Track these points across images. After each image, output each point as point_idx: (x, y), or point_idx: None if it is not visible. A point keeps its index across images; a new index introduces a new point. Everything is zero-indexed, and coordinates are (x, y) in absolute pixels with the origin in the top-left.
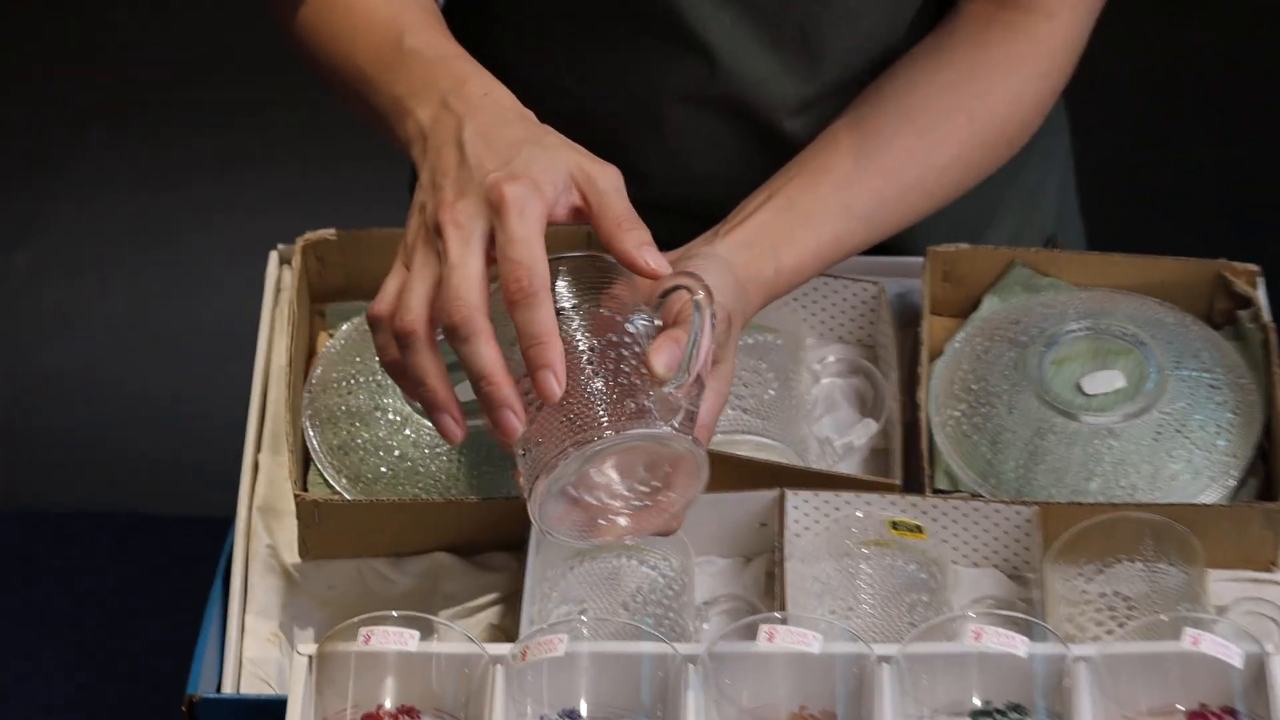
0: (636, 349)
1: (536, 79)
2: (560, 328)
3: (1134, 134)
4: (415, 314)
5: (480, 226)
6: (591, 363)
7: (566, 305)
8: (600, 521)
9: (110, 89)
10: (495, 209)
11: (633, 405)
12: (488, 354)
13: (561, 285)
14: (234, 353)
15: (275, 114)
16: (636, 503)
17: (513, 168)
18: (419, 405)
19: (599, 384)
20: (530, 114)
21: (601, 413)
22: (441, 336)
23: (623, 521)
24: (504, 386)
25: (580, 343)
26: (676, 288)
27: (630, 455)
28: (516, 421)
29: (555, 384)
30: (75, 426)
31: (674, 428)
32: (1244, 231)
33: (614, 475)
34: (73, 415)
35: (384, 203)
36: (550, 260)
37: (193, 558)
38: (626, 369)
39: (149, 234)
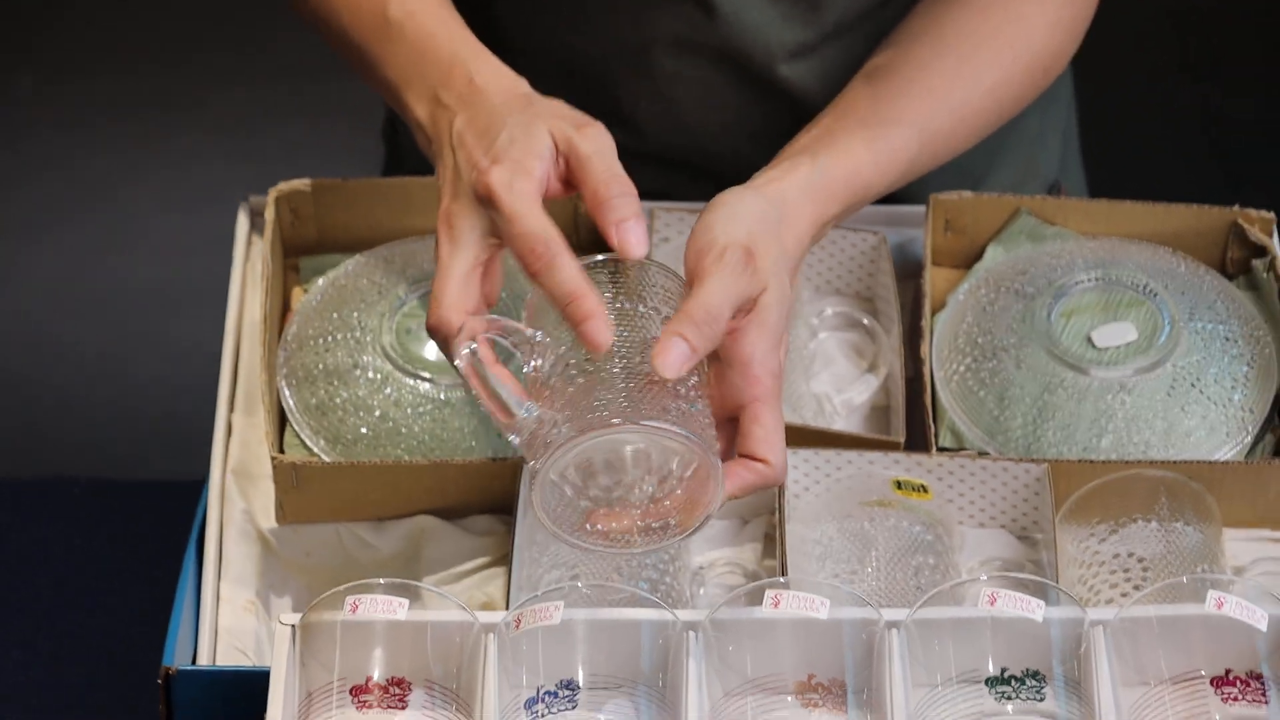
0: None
1: (525, 27)
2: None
3: (1137, 79)
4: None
5: (473, 226)
6: (615, 358)
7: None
8: (607, 528)
9: (41, 34)
10: (485, 201)
11: (645, 404)
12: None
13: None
14: (192, 309)
15: (219, 58)
16: (644, 512)
17: (494, 153)
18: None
19: (618, 381)
20: (518, 83)
21: (603, 406)
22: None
23: (634, 532)
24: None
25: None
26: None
27: (639, 454)
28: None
29: (603, 329)
30: (24, 389)
31: (684, 430)
32: (1250, 179)
33: (621, 477)
34: (21, 378)
35: (337, 154)
36: (596, 260)
37: (156, 525)
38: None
39: (91, 185)
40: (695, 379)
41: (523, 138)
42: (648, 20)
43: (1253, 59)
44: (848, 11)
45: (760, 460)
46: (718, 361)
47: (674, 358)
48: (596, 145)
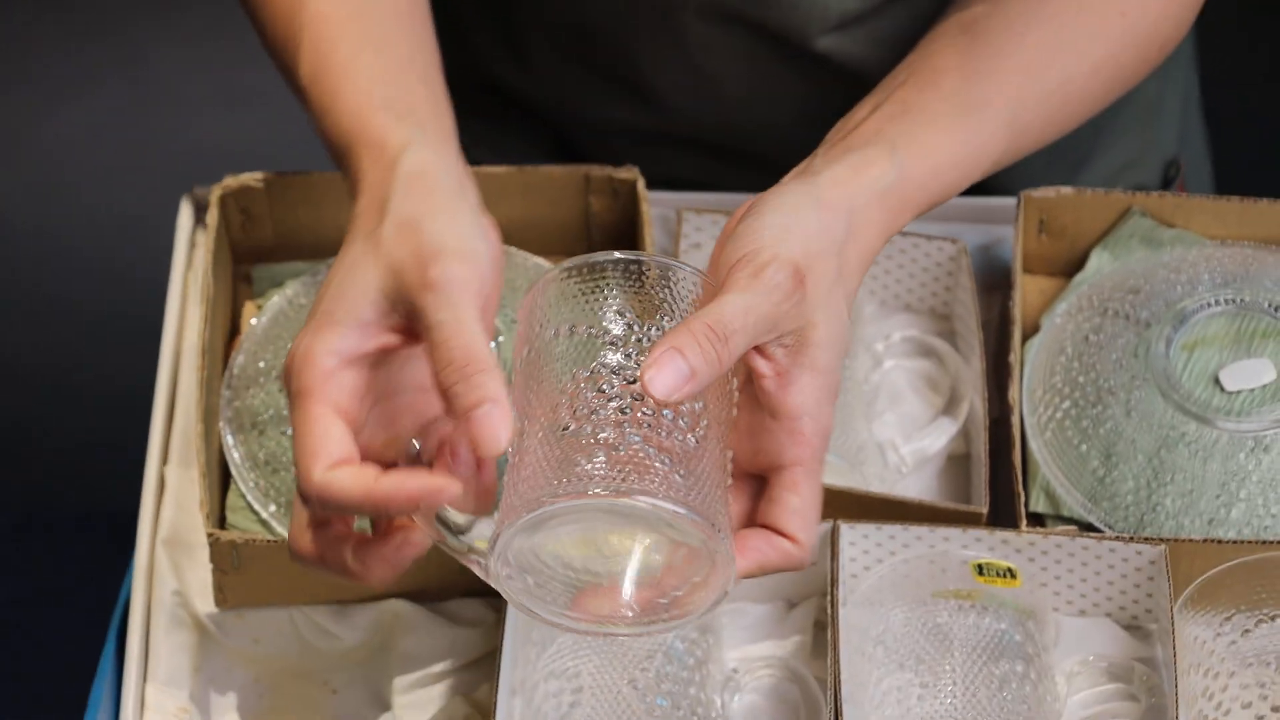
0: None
1: None
2: (597, 355)
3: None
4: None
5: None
6: (612, 408)
7: (616, 327)
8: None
9: None
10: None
11: (633, 470)
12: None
13: (618, 300)
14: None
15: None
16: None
17: (313, 310)
18: None
19: (607, 434)
20: (396, 166)
21: (588, 471)
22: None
23: (624, 610)
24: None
25: (610, 380)
26: None
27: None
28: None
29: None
30: None
31: (686, 509)
32: None
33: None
34: None
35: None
36: (615, 262)
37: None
38: (655, 422)
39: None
40: (699, 405)
41: (343, 297)
42: None
43: None
44: None
45: (787, 537)
46: (759, 411)
47: (667, 377)
48: (441, 308)
